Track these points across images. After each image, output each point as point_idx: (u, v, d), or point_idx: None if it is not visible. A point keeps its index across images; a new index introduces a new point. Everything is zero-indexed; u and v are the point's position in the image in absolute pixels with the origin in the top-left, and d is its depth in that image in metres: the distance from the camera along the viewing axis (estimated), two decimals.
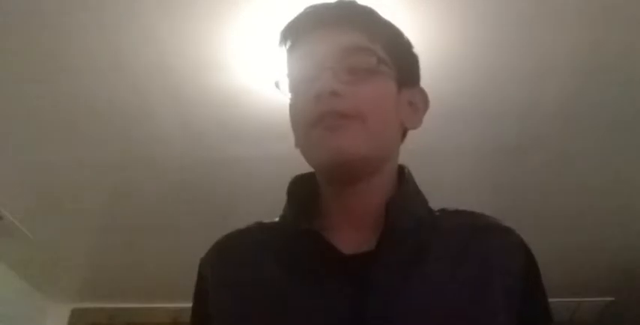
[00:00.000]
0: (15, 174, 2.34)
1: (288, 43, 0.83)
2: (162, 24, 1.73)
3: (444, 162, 2.22)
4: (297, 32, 0.82)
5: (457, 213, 0.84)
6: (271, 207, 0.89)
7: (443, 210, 0.84)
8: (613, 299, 3.09)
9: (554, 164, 2.29)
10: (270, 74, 1.87)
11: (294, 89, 0.81)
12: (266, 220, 0.87)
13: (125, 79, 1.93)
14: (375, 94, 0.77)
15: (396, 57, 0.81)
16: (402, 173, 0.83)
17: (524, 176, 2.35)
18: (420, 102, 0.86)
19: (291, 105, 0.82)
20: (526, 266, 0.77)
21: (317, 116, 0.75)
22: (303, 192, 0.83)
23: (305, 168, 0.84)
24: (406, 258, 0.74)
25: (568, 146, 2.20)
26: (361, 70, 0.77)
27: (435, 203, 0.86)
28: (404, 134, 0.85)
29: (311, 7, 0.82)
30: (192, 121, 2.09)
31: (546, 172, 2.33)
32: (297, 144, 0.82)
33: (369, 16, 0.82)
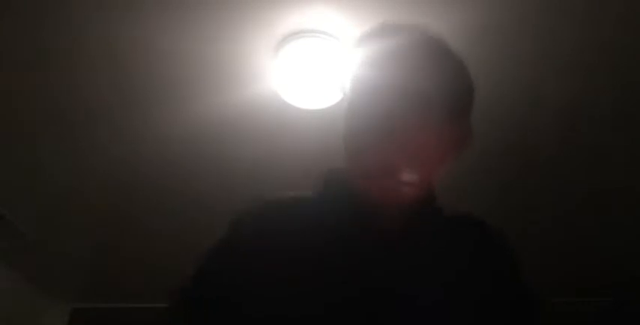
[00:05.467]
0: (15, 174, 2.34)
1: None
2: (164, 28, 1.73)
3: None
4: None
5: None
6: None
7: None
8: (613, 299, 3.09)
9: (554, 165, 2.29)
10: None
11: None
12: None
13: (127, 81, 1.93)
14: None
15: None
16: None
17: (523, 176, 2.36)
18: None
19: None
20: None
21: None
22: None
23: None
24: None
25: (567, 147, 2.20)
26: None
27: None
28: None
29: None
30: (195, 122, 2.09)
31: (546, 173, 2.34)
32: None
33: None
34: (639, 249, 2.75)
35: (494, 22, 1.72)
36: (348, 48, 1.78)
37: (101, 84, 1.94)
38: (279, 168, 2.30)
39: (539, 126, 2.11)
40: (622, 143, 2.17)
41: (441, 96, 0.84)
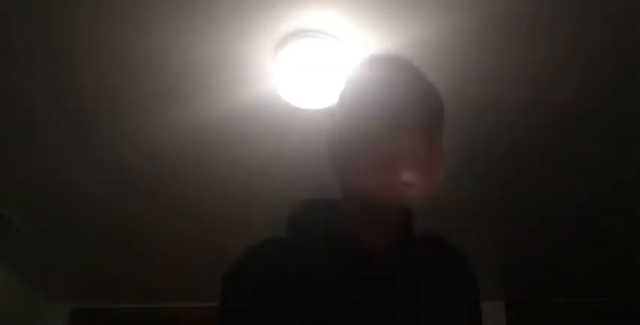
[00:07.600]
0: (15, 174, 2.34)
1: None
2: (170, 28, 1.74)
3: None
4: None
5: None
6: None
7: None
8: (613, 299, 3.10)
9: (554, 165, 2.29)
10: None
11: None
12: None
13: (129, 80, 1.93)
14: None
15: None
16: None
17: (522, 177, 2.36)
18: None
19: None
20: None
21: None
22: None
23: None
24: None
25: (568, 148, 2.20)
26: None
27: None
28: None
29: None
30: (195, 122, 2.09)
31: (545, 173, 2.34)
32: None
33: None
34: (639, 249, 2.75)
35: (490, 21, 1.72)
36: (347, 48, 1.79)
37: (102, 85, 1.94)
38: (279, 167, 2.31)
39: (537, 127, 2.11)
40: (622, 144, 2.18)
41: (415, 116, 0.92)
